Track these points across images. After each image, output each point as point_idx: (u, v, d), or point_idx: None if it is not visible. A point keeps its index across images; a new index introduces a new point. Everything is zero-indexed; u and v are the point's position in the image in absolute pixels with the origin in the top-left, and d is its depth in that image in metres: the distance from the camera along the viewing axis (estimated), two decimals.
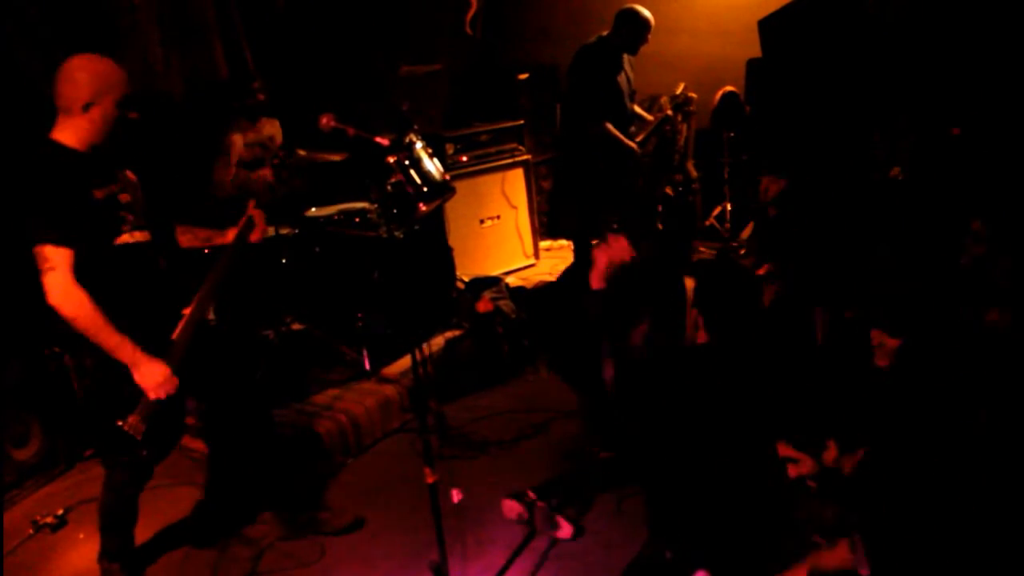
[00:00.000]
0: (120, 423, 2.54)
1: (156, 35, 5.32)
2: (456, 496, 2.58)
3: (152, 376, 2.58)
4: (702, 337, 2.84)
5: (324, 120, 3.01)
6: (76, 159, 2.58)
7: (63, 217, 2.49)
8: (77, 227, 2.50)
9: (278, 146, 5.02)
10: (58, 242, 2.46)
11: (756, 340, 2.84)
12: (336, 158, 4.33)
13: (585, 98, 5.22)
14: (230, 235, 2.95)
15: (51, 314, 2.52)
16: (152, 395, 2.58)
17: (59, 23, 4.79)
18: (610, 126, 5.13)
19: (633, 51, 5.22)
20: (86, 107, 2.57)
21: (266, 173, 4.75)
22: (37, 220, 2.49)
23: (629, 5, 5.12)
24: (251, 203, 3.02)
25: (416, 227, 4.61)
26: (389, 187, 3.48)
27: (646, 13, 5.08)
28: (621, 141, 5.16)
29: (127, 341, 2.55)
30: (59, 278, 2.46)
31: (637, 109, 5.52)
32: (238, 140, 4.94)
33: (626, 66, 5.23)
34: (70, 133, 2.58)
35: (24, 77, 4.64)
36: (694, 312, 3.04)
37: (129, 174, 2.80)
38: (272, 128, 5.19)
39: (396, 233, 4.11)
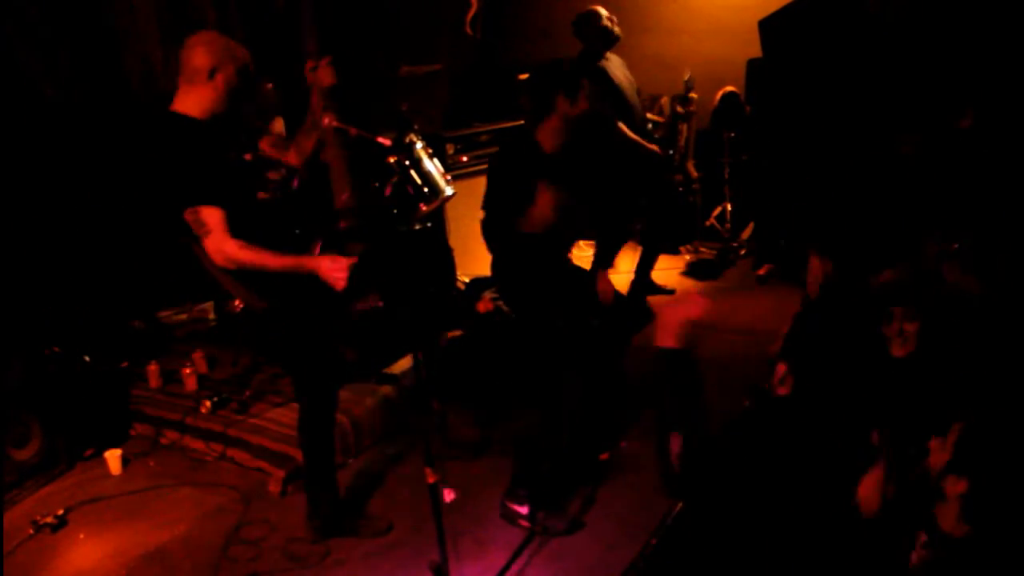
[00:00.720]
0: (363, 304, 2.88)
1: (156, 35, 5.33)
2: (448, 496, 2.58)
3: (335, 264, 2.72)
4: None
5: (325, 120, 3.01)
6: (200, 127, 2.72)
7: (208, 179, 2.63)
8: (222, 188, 2.65)
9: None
10: (209, 203, 2.61)
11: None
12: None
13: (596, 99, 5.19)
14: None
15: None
16: (342, 283, 2.71)
17: (59, 23, 4.79)
18: (623, 126, 5.05)
19: (609, 46, 5.11)
20: (212, 74, 2.72)
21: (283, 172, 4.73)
22: (184, 186, 2.63)
23: (580, 11, 5.10)
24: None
25: (416, 227, 4.61)
26: (388, 187, 3.48)
27: (598, 8, 5.05)
28: (636, 142, 5.10)
29: (297, 257, 2.74)
30: (217, 238, 2.62)
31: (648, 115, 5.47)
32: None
33: (619, 67, 5.19)
34: (193, 103, 2.75)
35: (24, 77, 4.64)
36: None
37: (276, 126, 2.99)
38: (279, 127, 5.20)
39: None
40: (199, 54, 2.73)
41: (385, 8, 6.38)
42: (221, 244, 2.63)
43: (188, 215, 2.62)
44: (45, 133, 4.60)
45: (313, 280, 2.72)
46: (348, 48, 6.05)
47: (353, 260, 2.74)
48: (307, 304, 2.81)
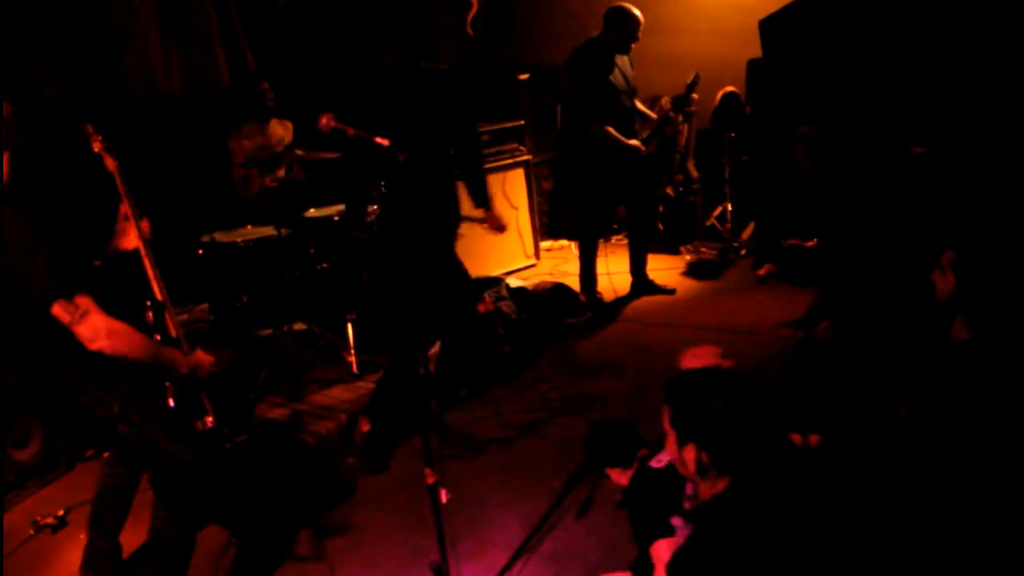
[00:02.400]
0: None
1: (157, 36, 5.33)
2: (443, 496, 2.58)
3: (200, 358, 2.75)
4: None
5: (324, 120, 3.01)
6: None
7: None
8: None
9: (286, 147, 5.04)
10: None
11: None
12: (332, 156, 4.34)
13: (580, 100, 5.16)
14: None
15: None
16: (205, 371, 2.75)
17: (59, 25, 4.79)
18: (611, 129, 5.07)
19: (624, 50, 5.11)
20: None
21: (279, 173, 4.71)
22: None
23: (618, 3, 5.04)
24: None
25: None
26: (384, 188, 3.47)
27: (635, 10, 5.01)
28: (621, 142, 5.11)
29: (162, 347, 2.69)
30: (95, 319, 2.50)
31: (640, 107, 5.45)
32: (246, 145, 4.95)
33: (622, 65, 5.16)
34: None
35: (24, 78, 4.65)
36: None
37: None
38: (283, 130, 5.20)
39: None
40: None
41: (385, 8, 6.39)
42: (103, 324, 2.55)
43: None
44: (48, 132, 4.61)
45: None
46: (349, 48, 6.08)
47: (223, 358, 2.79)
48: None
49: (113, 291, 2.71)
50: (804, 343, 4.03)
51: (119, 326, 2.54)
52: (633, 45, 5.12)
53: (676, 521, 2.12)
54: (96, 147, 2.98)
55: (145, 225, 2.97)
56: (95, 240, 2.97)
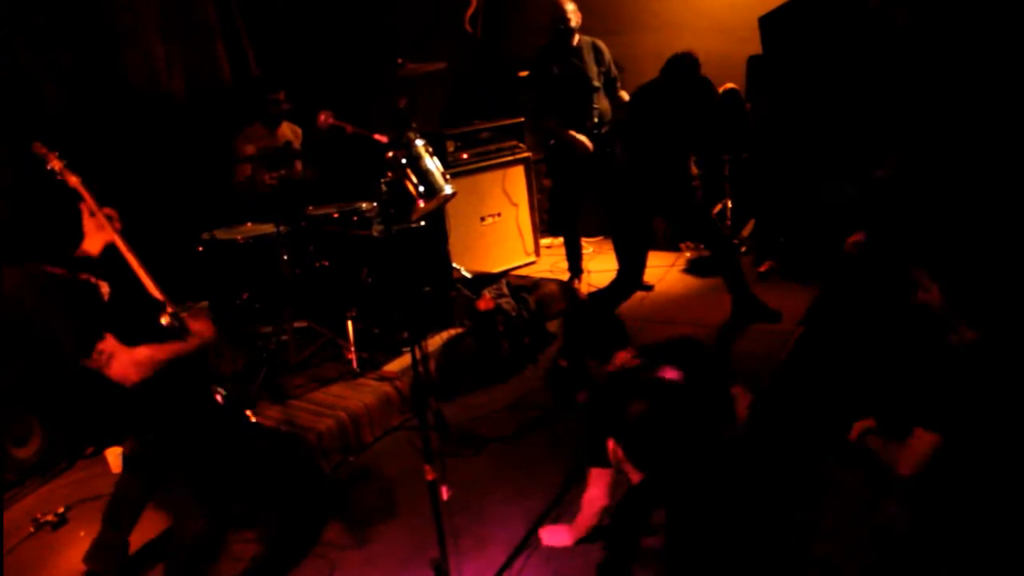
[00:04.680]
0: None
1: (158, 34, 5.32)
2: (444, 493, 2.58)
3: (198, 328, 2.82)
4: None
5: (322, 117, 3.03)
6: None
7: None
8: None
9: (287, 143, 5.04)
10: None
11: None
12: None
13: (530, 94, 5.39)
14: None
15: None
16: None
17: (60, 21, 4.78)
18: (553, 123, 5.24)
19: (567, 39, 5.25)
20: None
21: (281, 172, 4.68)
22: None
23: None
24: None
25: (414, 225, 4.62)
26: (384, 185, 3.47)
27: (565, 4, 5.21)
28: (565, 135, 5.24)
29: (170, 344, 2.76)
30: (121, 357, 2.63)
31: (625, 96, 5.48)
32: (249, 148, 4.94)
33: (586, 57, 5.28)
34: None
35: (25, 75, 4.64)
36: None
37: None
38: (292, 135, 5.19)
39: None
40: None
41: (385, 6, 6.38)
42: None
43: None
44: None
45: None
46: (349, 46, 6.08)
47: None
48: None
49: (120, 316, 2.76)
50: (805, 339, 4.03)
51: (139, 354, 2.66)
52: (622, 38, 5.25)
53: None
54: (55, 165, 2.87)
55: (111, 213, 2.90)
56: (60, 244, 2.91)
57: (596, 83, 5.33)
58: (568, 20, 5.20)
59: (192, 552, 2.78)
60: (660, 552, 2.52)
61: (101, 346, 2.64)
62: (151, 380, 2.68)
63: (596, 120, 5.36)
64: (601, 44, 5.42)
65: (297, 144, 5.13)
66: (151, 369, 2.67)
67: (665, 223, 5.81)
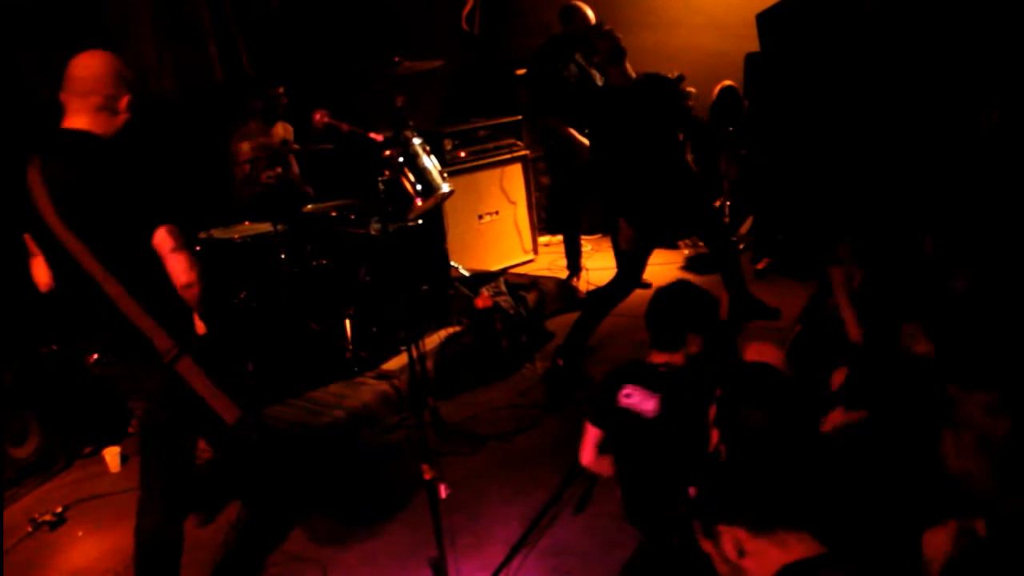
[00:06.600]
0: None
1: (149, 32, 5.31)
2: (442, 492, 2.58)
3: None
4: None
5: (317, 116, 3.01)
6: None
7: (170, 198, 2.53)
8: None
9: (283, 142, 5.04)
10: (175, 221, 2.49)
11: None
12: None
13: (534, 94, 5.38)
14: None
15: (51, 311, 2.53)
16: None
17: (52, 20, 4.77)
18: (556, 120, 5.23)
19: (584, 47, 5.21)
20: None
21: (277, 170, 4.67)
22: (152, 205, 2.50)
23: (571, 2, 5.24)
24: None
25: (411, 223, 4.61)
26: (381, 184, 3.47)
27: (583, 7, 5.18)
28: (572, 138, 5.24)
29: None
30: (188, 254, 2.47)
31: None
32: (244, 147, 4.94)
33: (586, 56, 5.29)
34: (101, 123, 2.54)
35: (20, 74, 4.63)
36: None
37: None
38: (284, 132, 5.18)
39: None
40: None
41: (382, 4, 6.37)
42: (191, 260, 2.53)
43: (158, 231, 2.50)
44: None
45: None
46: (345, 44, 6.07)
47: None
48: None
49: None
50: (804, 337, 4.03)
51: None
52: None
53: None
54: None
55: None
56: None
57: (598, 83, 5.32)
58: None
59: (151, 549, 2.70)
60: None
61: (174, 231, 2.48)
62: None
63: None
64: None
65: (290, 139, 5.13)
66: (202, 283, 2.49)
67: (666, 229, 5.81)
